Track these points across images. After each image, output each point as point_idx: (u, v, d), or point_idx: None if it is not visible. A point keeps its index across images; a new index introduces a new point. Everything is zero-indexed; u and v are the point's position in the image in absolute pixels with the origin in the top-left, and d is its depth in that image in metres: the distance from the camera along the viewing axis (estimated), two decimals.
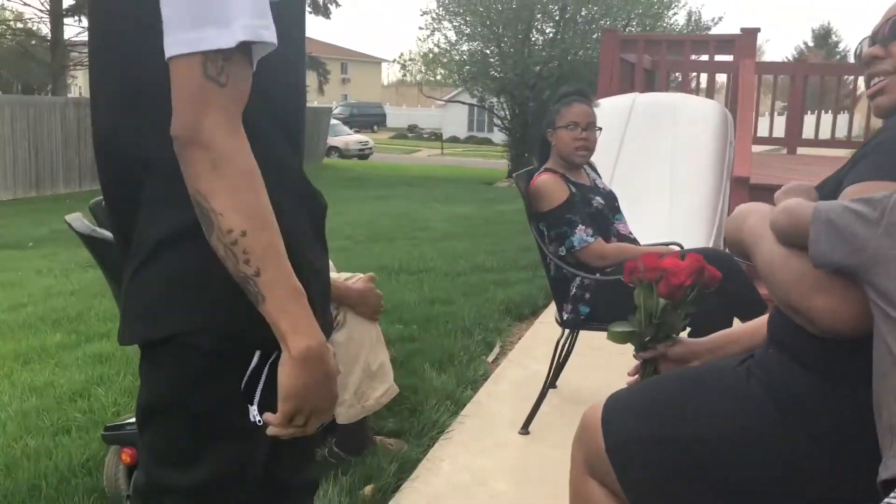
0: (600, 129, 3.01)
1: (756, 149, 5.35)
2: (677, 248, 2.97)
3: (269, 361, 1.07)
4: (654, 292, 1.54)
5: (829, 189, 1.28)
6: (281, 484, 1.23)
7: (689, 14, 18.87)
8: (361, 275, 2.55)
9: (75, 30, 17.24)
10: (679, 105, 5.05)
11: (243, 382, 1.07)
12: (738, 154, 4.72)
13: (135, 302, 1.08)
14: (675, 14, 18.09)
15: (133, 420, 1.60)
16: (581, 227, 2.81)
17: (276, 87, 1.07)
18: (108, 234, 2.28)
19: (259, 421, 1.06)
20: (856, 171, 1.22)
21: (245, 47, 0.95)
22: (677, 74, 6.43)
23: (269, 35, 0.96)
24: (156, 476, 1.13)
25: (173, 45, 0.94)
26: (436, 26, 17.81)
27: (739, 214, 1.39)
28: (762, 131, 8.20)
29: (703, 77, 6.73)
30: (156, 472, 1.13)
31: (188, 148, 0.95)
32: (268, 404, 1.05)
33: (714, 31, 18.65)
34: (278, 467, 1.20)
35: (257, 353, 1.07)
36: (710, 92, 5.97)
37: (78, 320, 4.50)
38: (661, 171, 4.71)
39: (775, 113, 8.27)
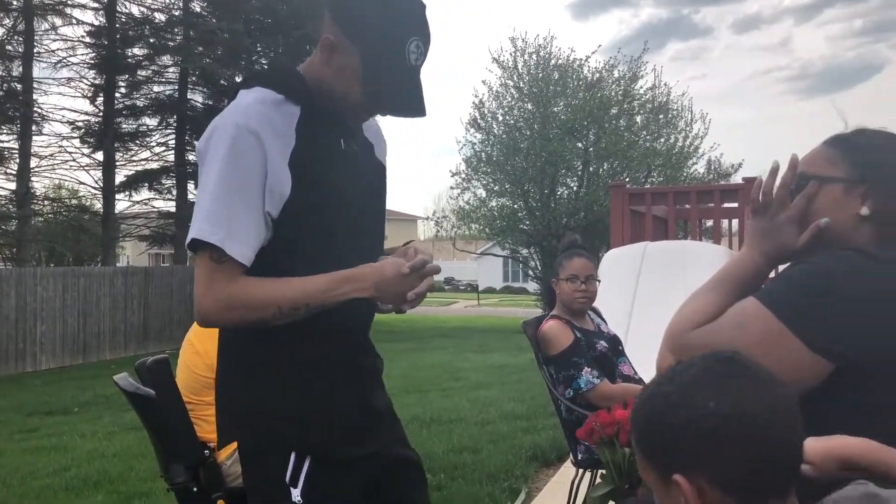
0: (599, 280, 3.23)
1: None
2: None
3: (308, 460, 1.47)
4: (616, 446, 1.67)
5: None
6: None
7: (709, 162, 19.45)
8: None
9: (125, 204, 18.31)
10: (688, 251, 5.30)
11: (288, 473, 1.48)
12: None
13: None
14: (694, 164, 18.70)
15: None
16: (587, 369, 2.98)
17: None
18: (150, 391, 2.52)
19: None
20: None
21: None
22: (687, 222, 6.75)
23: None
24: None
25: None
26: (465, 185, 18.63)
27: None
28: None
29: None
30: None
31: None
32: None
33: (734, 177, 19.17)
34: None
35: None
36: (717, 237, 6.24)
37: (119, 481, 4.68)
38: (673, 314, 4.89)
39: None
